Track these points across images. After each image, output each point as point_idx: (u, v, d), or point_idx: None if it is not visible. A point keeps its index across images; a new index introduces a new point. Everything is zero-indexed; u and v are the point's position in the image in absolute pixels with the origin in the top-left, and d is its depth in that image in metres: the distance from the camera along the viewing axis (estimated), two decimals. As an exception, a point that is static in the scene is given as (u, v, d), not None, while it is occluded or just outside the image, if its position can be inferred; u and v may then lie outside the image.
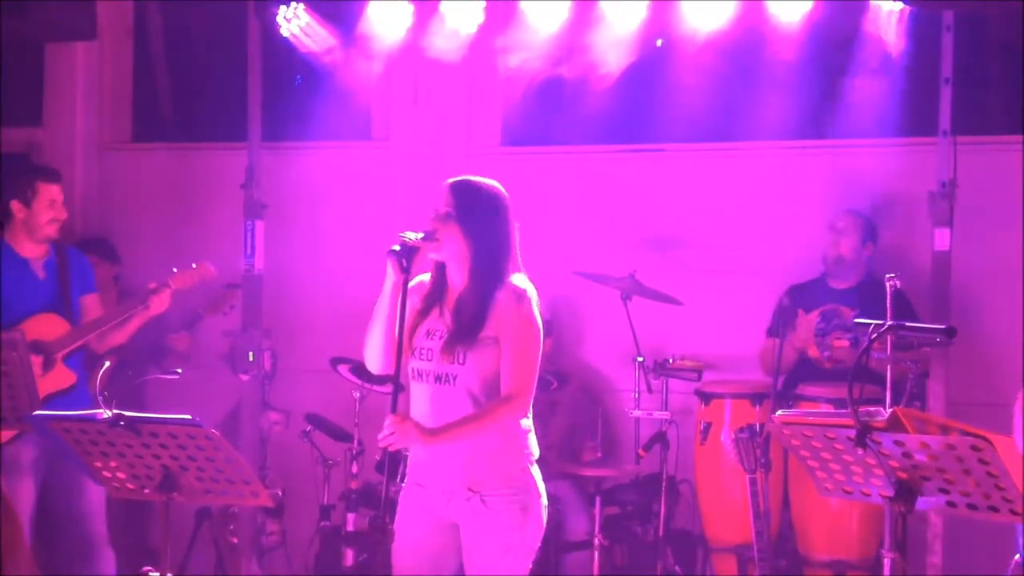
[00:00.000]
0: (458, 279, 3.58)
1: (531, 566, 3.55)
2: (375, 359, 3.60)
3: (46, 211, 4.82)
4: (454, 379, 3.51)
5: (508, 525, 3.50)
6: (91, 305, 4.95)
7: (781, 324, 5.19)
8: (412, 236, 3.47)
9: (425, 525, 3.57)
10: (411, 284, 3.53)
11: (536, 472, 3.57)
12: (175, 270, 4.92)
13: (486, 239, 3.52)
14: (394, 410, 3.40)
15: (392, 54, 5.94)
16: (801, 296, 5.35)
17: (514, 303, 3.49)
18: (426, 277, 3.64)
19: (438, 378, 3.52)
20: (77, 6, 5.81)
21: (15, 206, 4.82)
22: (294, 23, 5.87)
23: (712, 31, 5.49)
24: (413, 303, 3.58)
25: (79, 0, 5.81)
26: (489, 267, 3.52)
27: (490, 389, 3.50)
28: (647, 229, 5.97)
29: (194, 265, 4.96)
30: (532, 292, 3.53)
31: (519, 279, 3.55)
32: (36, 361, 4.65)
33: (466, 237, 3.51)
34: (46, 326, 4.75)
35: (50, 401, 4.63)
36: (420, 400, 3.55)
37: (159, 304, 4.83)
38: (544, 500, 3.57)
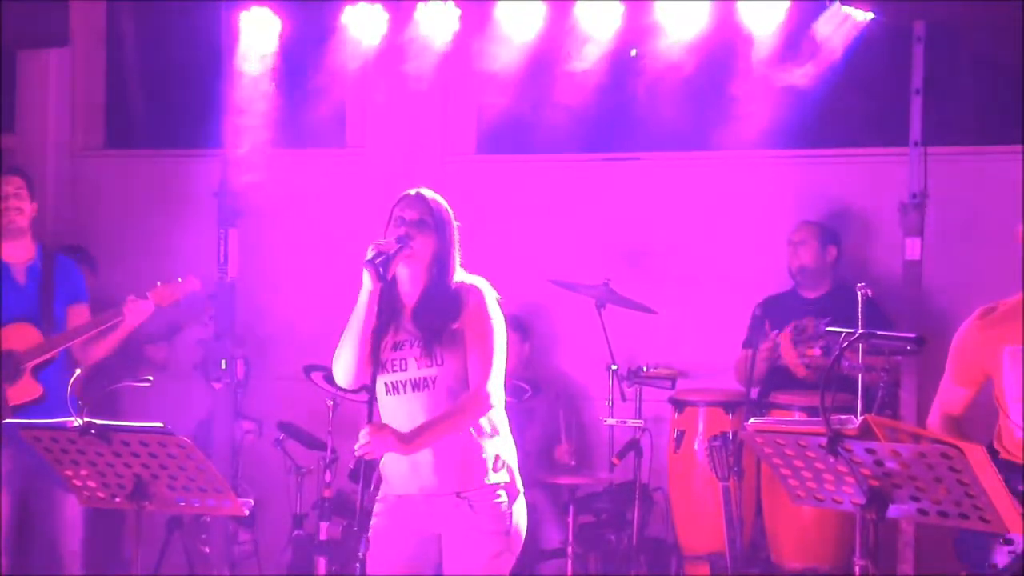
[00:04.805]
0: (410, 289, 3.60)
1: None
2: (349, 371, 3.56)
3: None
4: (433, 382, 3.53)
5: (495, 529, 3.52)
6: (79, 316, 4.81)
7: (753, 335, 5.23)
8: (385, 244, 3.50)
9: (405, 539, 3.55)
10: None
11: (516, 474, 3.60)
12: (159, 283, 4.79)
13: (448, 249, 3.61)
14: (370, 419, 3.40)
15: (367, 61, 5.94)
16: (774, 308, 5.39)
17: (473, 296, 3.55)
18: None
19: (415, 385, 3.54)
20: (50, 12, 5.78)
21: None
22: (269, 29, 5.87)
23: (686, 41, 5.52)
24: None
25: (52, 6, 5.78)
26: (446, 275, 3.59)
27: (465, 385, 3.54)
28: (622, 238, 5.98)
29: (180, 279, 4.82)
30: (483, 284, 3.60)
31: (468, 276, 3.61)
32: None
33: (434, 249, 3.58)
34: (19, 336, 4.70)
35: (16, 413, 4.57)
36: (397, 412, 3.53)
37: (134, 314, 4.71)
38: (523, 501, 3.60)
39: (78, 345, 4.78)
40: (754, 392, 5.13)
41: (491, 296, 3.58)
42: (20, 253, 4.81)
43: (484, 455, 3.54)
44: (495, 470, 3.55)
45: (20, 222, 4.79)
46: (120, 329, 4.74)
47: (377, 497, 3.65)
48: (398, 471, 3.54)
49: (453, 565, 3.53)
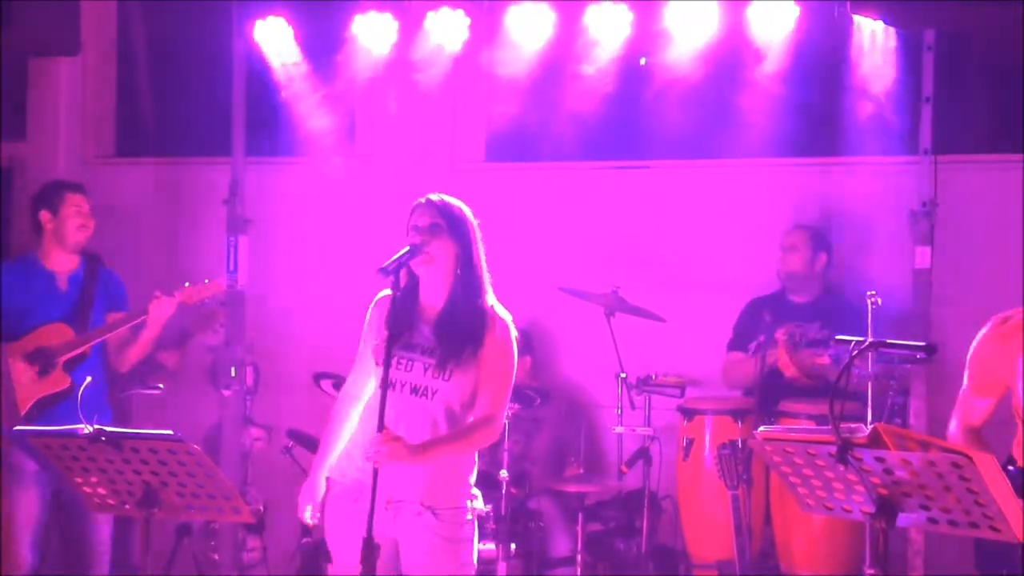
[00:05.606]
0: (434, 294, 3.60)
1: None
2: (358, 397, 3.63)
3: (73, 218, 4.93)
4: (434, 394, 3.55)
5: (455, 536, 3.54)
6: None
7: (742, 337, 5.24)
8: (397, 256, 3.51)
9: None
10: (376, 299, 3.63)
11: (478, 494, 3.64)
12: (187, 284, 4.91)
13: (470, 255, 3.59)
14: (381, 428, 3.40)
15: (377, 70, 5.96)
16: (763, 310, 5.41)
17: (501, 329, 3.58)
18: (387, 292, 3.65)
19: (415, 390, 3.55)
20: (61, 21, 5.81)
21: (44, 216, 4.94)
22: (278, 38, 5.89)
23: (695, 50, 5.53)
24: (379, 315, 3.61)
25: (63, 15, 5.81)
26: (473, 283, 3.59)
27: (463, 408, 3.56)
28: (631, 245, 5.98)
29: (207, 280, 4.96)
30: (510, 320, 3.63)
31: (499, 306, 3.63)
32: (32, 368, 4.74)
33: (455, 251, 3.57)
34: (55, 333, 4.83)
35: (45, 404, 4.72)
36: (388, 409, 3.48)
37: (159, 310, 4.82)
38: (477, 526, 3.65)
39: (113, 349, 4.93)
40: (760, 399, 5.12)
41: (514, 333, 3.62)
42: (66, 263, 4.96)
43: (461, 474, 3.59)
44: (469, 490, 3.59)
45: (86, 238, 4.97)
46: (149, 328, 4.86)
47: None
48: (367, 471, 3.44)
49: (413, 565, 3.55)
